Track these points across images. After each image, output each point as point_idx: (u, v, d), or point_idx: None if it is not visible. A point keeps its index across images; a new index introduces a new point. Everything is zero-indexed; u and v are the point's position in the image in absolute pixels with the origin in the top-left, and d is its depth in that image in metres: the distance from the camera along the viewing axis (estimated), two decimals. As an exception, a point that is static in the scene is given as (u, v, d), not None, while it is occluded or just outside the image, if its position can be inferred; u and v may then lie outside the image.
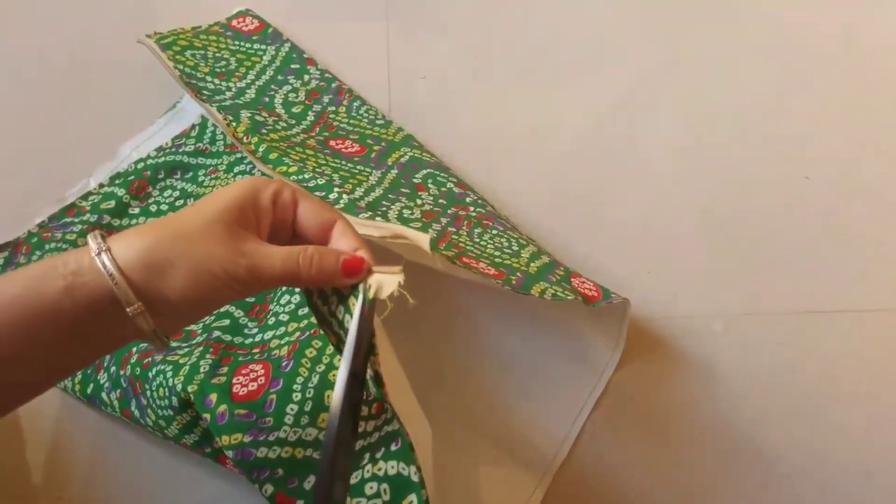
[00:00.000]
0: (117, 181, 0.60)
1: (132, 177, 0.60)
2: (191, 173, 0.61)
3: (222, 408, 0.46)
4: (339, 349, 0.39)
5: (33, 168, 0.63)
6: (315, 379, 0.47)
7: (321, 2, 0.71)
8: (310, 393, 0.47)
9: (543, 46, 0.68)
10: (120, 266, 0.32)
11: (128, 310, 0.32)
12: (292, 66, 0.66)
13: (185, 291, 0.33)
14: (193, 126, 0.63)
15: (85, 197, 0.60)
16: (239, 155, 0.61)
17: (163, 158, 0.61)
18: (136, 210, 0.60)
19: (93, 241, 0.33)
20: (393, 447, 0.44)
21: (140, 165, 0.61)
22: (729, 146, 0.63)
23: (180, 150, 0.62)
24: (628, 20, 0.69)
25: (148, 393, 0.49)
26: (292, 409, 0.46)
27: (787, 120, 0.64)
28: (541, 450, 0.53)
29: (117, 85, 0.67)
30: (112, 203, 0.59)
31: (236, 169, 0.61)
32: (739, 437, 0.54)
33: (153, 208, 0.60)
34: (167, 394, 0.47)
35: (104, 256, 0.32)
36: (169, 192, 0.60)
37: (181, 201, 0.60)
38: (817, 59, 0.66)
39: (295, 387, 0.47)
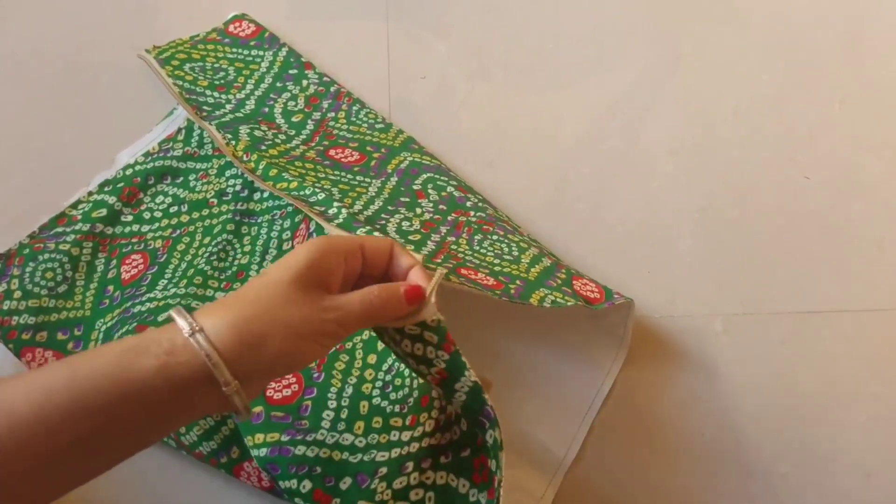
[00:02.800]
0: (107, 188, 0.60)
1: (122, 183, 0.60)
2: (181, 178, 0.61)
3: (258, 408, 0.47)
4: (425, 379, 0.42)
5: (30, 174, 0.63)
6: (349, 390, 0.48)
7: (321, 1, 0.71)
8: (345, 402, 0.48)
9: (543, 46, 0.68)
10: (216, 346, 0.33)
11: (224, 389, 0.33)
12: (290, 71, 0.65)
13: (278, 358, 0.35)
14: (180, 129, 0.63)
15: (75, 205, 0.59)
16: (229, 158, 0.61)
17: (151, 164, 0.61)
18: (129, 217, 0.59)
19: (182, 320, 0.33)
20: (443, 459, 0.46)
21: (129, 172, 0.61)
22: (729, 146, 0.63)
23: (169, 155, 0.61)
24: (628, 20, 0.69)
25: None
26: (328, 416, 0.47)
27: (787, 120, 0.64)
28: (551, 450, 0.53)
29: (115, 91, 0.66)
30: (104, 211, 0.59)
31: (228, 172, 0.61)
32: (739, 437, 0.54)
33: (146, 215, 0.59)
34: None
35: (199, 336, 0.33)
36: (161, 198, 0.60)
37: (175, 207, 0.59)
38: (817, 59, 0.66)
39: (329, 395, 0.48)
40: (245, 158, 0.55)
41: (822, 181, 0.62)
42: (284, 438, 0.46)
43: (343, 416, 0.47)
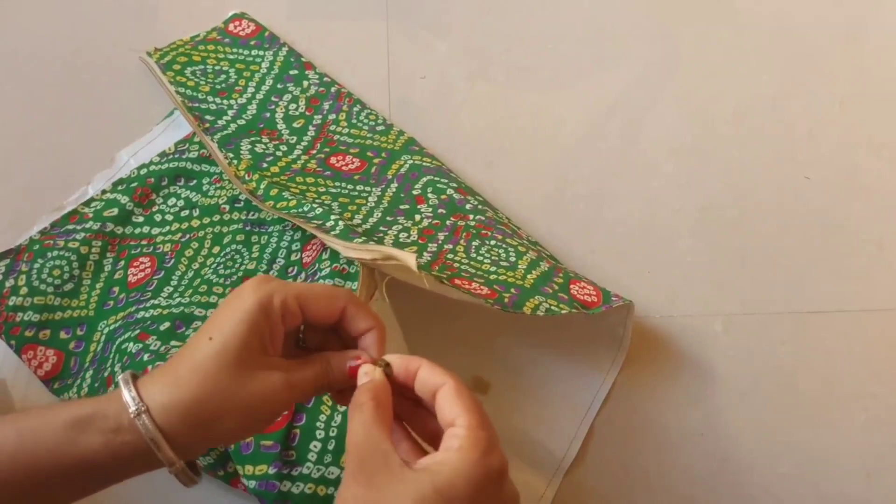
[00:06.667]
0: (120, 187, 0.60)
1: (135, 183, 0.60)
2: (195, 181, 0.60)
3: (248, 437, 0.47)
4: None
5: (30, 174, 0.63)
6: (338, 418, 0.48)
7: (321, 1, 0.71)
8: (333, 432, 0.47)
9: (543, 46, 0.68)
10: (161, 428, 0.32)
11: (168, 470, 0.33)
12: (291, 71, 0.65)
13: (230, 438, 0.34)
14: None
15: (88, 203, 0.59)
16: (229, 178, 0.61)
17: (166, 165, 0.61)
18: (140, 219, 0.59)
19: (128, 395, 0.33)
20: None
21: (143, 171, 0.60)
22: (729, 146, 0.63)
23: (184, 157, 0.61)
24: (628, 20, 0.69)
25: None
26: (315, 447, 0.47)
27: (787, 120, 0.64)
28: (550, 450, 0.53)
29: (115, 90, 0.66)
30: (115, 210, 0.59)
31: None
32: (739, 437, 0.54)
33: (157, 217, 0.59)
34: None
35: (144, 418, 0.32)
36: (173, 199, 0.60)
37: (186, 211, 0.59)
38: (817, 59, 0.66)
39: (318, 424, 0.47)
40: (247, 178, 0.55)
41: (822, 181, 0.62)
42: (271, 471, 0.46)
43: (330, 447, 0.47)
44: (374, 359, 0.36)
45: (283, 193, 0.53)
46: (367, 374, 0.35)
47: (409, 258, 0.44)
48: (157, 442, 0.32)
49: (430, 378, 0.34)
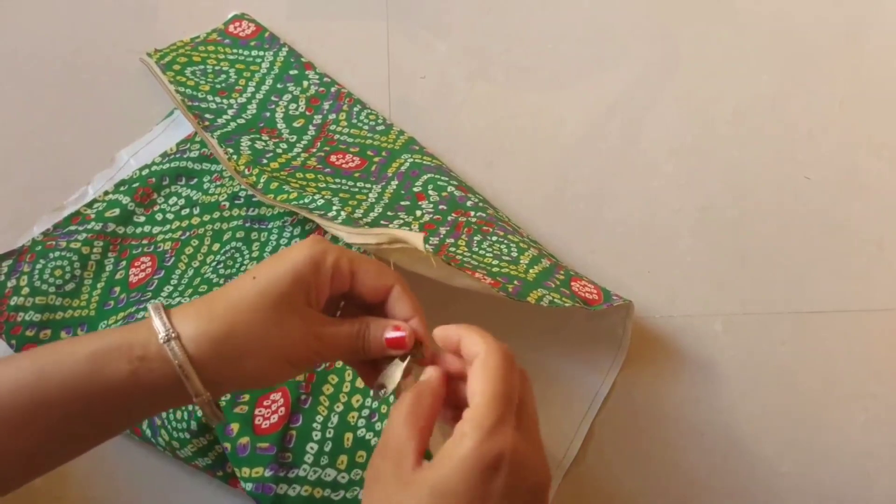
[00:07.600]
0: (122, 188, 0.60)
1: (137, 184, 0.60)
2: (196, 179, 0.60)
3: (244, 440, 0.47)
4: None
5: (30, 174, 0.63)
6: (334, 419, 0.48)
7: (321, 1, 0.71)
8: (329, 433, 0.47)
9: (543, 46, 0.68)
10: (191, 356, 0.32)
11: (195, 400, 0.32)
12: (291, 71, 0.65)
13: (252, 376, 0.33)
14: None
15: (90, 204, 0.59)
16: (230, 173, 0.61)
17: (167, 165, 0.61)
18: (142, 218, 0.59)
19: (158, 321, 0.32)
20: None
21: (145, 172, 0.60)
22: (729, 146, 0.63)
23: (185, 156, 0.61)
24: (628, 20, 0.69)
25: (164, 413, 0.49)
26: (312, 449, 0.47)
27: (787, 120, 0.64)
28: (550, 450, 0.53)
29: (115, 90, 0.66)
30: (117, 211, 0.59)
31: None
32: (739, 437, 0.54)
33: (159, 216, 0.59)
34: (185, 417, 0.48)
35: (174, 344, 0.32)
36: (174, 199, 0.60)
37: (187, 210, 0.59)
38: (817, 59, 0.67)
39: (314, 425, 0.47)
40: (247, 173, 0.55)
41: (822, 181, 0.62)
42: (267, 474, 0.45)
43: (327, 448, 0.47)
44: (417, 331, 0.36)
45: (284, 187, 0.53)
46: (425, 374, 0.35)
47: (416, 238, 0.44)
48: (185, 370, 0.31)
49: (469, 349, 0.34)
